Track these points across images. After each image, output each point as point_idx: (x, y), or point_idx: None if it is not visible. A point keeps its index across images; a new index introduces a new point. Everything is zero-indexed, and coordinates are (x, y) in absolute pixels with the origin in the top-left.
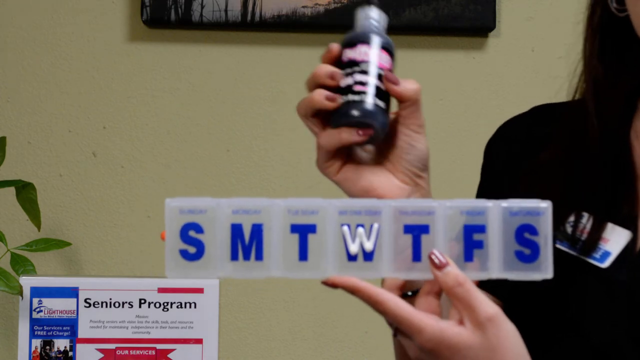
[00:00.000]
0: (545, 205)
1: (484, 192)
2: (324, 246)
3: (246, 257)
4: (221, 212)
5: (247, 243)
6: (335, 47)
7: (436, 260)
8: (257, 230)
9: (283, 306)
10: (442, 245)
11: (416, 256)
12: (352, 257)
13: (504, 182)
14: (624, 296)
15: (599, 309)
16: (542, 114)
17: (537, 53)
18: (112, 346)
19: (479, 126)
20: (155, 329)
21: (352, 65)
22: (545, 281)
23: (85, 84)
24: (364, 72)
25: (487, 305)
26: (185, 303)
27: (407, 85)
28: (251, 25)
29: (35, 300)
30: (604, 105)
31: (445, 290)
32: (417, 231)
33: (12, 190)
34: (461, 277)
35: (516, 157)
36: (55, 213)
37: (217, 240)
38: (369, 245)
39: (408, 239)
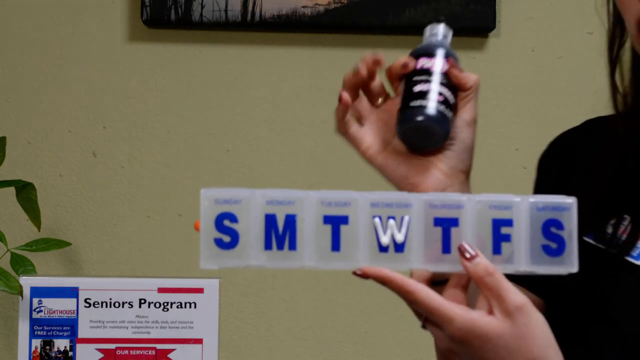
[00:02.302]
0: (571, 200)
1: None
2: (356, 237)
3: (280, 246)
4: (255, 202)
5: (280, 233)
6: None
7: (466, 253)
8: (290, 220)
9: (283, 306)
10: (471, 238)
11: (446, 248)
12: (383, 249)
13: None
14: None
15: (632, 301)
16: (593, 126)
17: (537, 53)
18: (112, 346)
19: (479, 126)
20: (155, 329)
21: (428, 74)
22: (582, 277)
23: (85, 84)
24: (443, 84)
25: (516, 295)
26: (185, 303)
27: (470, 75)
28: (251, 25)
29: (35, 300)
30: (632, 127)
31: (476, 280)
32: (446, 224)
33: (12, 190)
34: (491, 267)
35: (567, 170)
36: (55, 213)
37: (251, 230)
38: (400, 237)
39: (438, 231)
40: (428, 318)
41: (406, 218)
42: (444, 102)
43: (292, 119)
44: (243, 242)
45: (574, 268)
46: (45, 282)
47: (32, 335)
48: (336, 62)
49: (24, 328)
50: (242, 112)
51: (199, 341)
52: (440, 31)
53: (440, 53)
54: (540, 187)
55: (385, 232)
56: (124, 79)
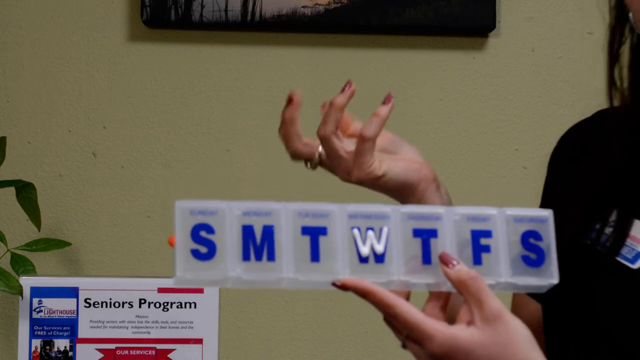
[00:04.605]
0: (547, 213)
1: (545, 204)
2: (335, 248)
3: (258, 257)
4: (232, 213)
5: (258, 243)
6: None
7: (448, 261)
8: (268, 231)
9: (283, 306)
10: (450, 248)
11: (426, 259)
12: (363, 259)
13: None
14: None
15: (627, 311)
16: (603, 117)
17: (537, 53)
18: (112, 346)
19: (479, 126)
20: (155, 329)
21: None
22: (578, 282)
23: (85, 84)
24: None
25: (495, 301)
26: (185, 303)
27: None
28: (251, 25)
29: (35, 300)
30: (625, 124)
31: (458, 285)
32: (425, 235)
33: (12, 190)
34: (473, 272)
35: (574, 167)
36: (55, 213)
37: (228, 241)
38: (379, 248)
39: (417, 242)
40: (409, 336)
41: (385, 229)
42: None
43: None
44: (220, 253)
45: (554, 279)
46: (45, 282)
47: (32, 335)
48: (336, 62)
49: (24, 328)
50: (242, 112)
51: (199, 341)
52: None
53: None
54: (547, 186)
55: (364, 243)
56: (124, 79)
